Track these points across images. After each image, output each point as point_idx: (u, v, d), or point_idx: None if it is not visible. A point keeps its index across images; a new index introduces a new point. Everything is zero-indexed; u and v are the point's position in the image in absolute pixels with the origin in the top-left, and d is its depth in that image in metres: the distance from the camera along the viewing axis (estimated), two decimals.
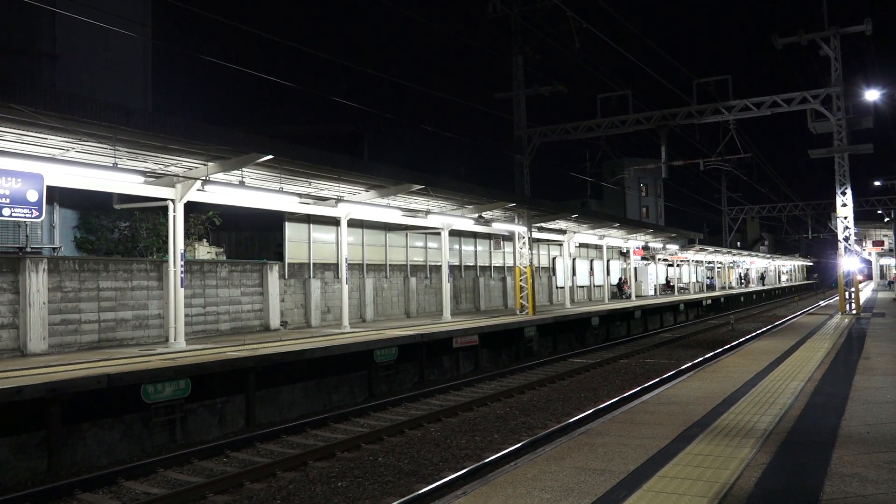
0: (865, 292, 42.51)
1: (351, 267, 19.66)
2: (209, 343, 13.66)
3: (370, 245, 21.27)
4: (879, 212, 48.22)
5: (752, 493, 4.34)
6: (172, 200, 12.80)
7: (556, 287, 32.46)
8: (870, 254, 59.86)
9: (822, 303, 43.43)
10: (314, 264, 19.09)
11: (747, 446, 5.47)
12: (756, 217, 62.53)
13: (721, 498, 4.29)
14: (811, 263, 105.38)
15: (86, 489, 8.07)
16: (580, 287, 35.16)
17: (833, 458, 5.11)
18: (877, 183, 45.50)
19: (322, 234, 19.45)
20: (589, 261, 36.03)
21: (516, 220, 23.04)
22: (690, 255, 48.15)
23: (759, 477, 4.67)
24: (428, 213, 18.94)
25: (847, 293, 21.64)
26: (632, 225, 32.54)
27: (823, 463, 4.97)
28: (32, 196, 10.23)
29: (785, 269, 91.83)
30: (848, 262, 26.14)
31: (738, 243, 75.62)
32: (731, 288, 59.42)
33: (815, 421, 6.33)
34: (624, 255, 39.00)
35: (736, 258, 59.80)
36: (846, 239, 21.11)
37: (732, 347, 20.14)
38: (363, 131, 32.73)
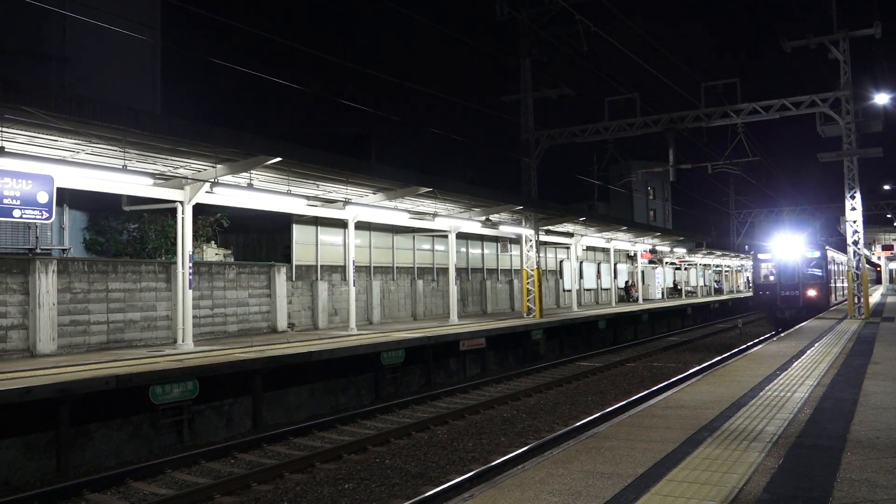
0: (874, 297, 42.02)
1: (358, 269, 19.69)
2: (217, 344, 13.71)
3: (377, 247, 21.29)
4: (889, 216, 47.91)
5: (761, 498, 4.32)
6: (181, 202, 12.85)
7: (563, 290, 32.41)
8: (878, 258, 59.42)
9: (832, 307, 43.05)
10: (321, 266, 19.13)
11: (756, 450, 5.44)
12: (764, 220, 62.21)
13: (730, 502, 4.27)
14: None
15: (94, 489, 8.11)
16: (587, 290, 35.09)
17: (842, 462, 5.08)
18: (886, 187, 45.25)
19: (329, 237, 19.48)
20: (596, 264, 35.95)
21: (523, 222, 23.03)
22: (698, 258, 47.99)
23: (767, 481, 4.65)
24: (435, 215, 18.95)
25: (856, 297, 21.51)
26: (639, 228, 32.48)
27: (832, 468, 4.95)
28: (42, 198, 10.30)
29: None
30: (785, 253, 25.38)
31: (746, 247, 75.21)
32: (739, 291, 59.15)
33: (824, 425, 6.30)
34: (631, 258, 38.91)
35: (744, 261, 59.52)
36: (855, 243, 21.00)
37: (741, 351, 20.06)
38: (371, 134, 32.84)
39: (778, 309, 26.27)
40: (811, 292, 25.78)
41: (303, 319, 18.28)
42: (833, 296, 29.11)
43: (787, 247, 26.65)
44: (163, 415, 10.04)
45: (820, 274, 26.07)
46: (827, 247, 28.27)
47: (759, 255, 27.74)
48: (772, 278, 26.56)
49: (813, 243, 28.09)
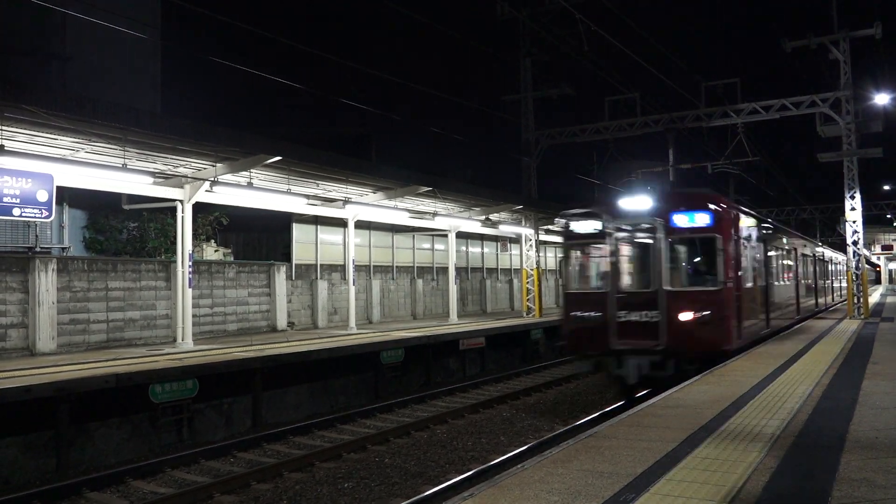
0: (874, 297, 41.89)
1: (358, 268, 19.69)
2: (216, 343, 13.70)
3: (377, 247, 21.29)
4: (889, 216, 47.91)
5: (760, 498, 4.32)
6: (181, 201, 12.85)
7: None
8: (878, 258, 59.42)
9: (830, 307, 42.97)
10: (321, 265, 19.13)
11: (755, 450, 5.44)
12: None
13: (729, 502, 4.27)
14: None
15: (94, 488, 8.11)
16: None
17: (841, 462, 5.07)
18: (886, 187, 45.21)
19: (329, 236, 19.48)
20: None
21: (523, 222, 23.02)
22: None
23: (766, 481, 4.65)
24: (435, 214, 18.95)
25: (856, 297, 21.47)
26: None
27: (832, 467, 4.95)
28: (42, 196, 10.29)
29: None
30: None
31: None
32: None
33: (823, 425, 6.30)
34: None
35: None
36: (855, 243, 21.00)
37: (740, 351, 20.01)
38: (371, 134, 32.83)
39: (612, 355, 10.87)
40: (686, 315, 10.48)
41: (302, 318, 18.28)
42: (760, 318, 13.28)
43: (634, 208, 10.94)
44: (162, 413, 10.05)
45: (709, 270, 10.72)
46: (741, 207, 12.50)
47: (574, 227, 11.63)
48: (602, 282, 11.31)
49: (691, 196, 11.23)
